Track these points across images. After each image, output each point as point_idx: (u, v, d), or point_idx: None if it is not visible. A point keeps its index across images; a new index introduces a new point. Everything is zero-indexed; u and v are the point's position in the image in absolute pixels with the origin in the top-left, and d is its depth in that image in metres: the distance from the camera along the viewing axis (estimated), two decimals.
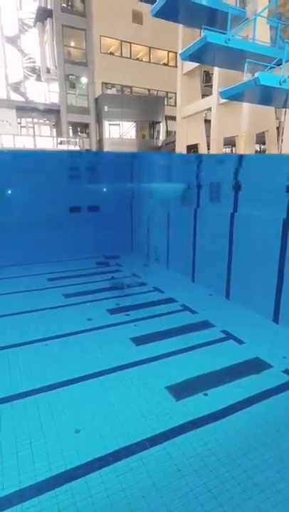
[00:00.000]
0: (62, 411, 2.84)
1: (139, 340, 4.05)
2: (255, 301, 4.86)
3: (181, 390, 3.11)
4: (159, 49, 25.61)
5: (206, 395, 3.05)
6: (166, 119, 25.61)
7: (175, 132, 21.81)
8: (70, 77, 23.63)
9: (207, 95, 18.72)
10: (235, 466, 2.33)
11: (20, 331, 4.31)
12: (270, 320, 4.62)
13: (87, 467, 2.30)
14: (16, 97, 23.19)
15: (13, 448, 2.46)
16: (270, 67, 8.05)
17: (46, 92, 23.98)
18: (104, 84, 24.61)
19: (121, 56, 24.74)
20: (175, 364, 3.55)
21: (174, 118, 22.00)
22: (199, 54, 8.53)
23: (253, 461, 2.37)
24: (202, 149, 19.62)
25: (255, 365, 3.52)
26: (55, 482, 2.19)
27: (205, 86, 21.98)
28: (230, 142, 18.63)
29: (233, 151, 21.47)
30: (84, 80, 23.93)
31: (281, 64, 7.97)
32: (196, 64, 16.87)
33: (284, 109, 15.19)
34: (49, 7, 22.35)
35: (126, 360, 3.59)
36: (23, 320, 4.67)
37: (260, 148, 19.67)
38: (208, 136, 18.74)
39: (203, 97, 19.29)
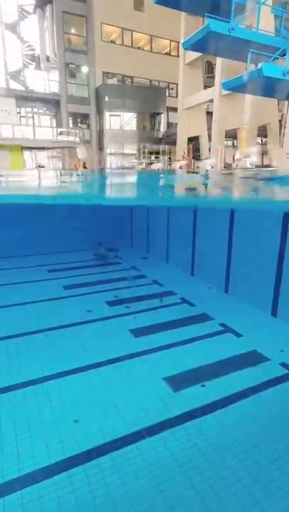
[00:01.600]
0: (62, 401, 2.87)
1: (138, 332, 4.08)
2: (254, 294, 4.88)
3: (179, 382, 3.14)
4: (161, 38, 25.13)
5: (203, 386, 3.09)
6: (167, 111, 25.29)
7: (176, 124, 21.57)
8: (70, 65, 23.25)
9: (209, 86, 18.46)
10: (232, 456, 2.36)
11: (20, 322, 4.33)
12: (268, 313, 4.65)
13: (86, 456, 2.34)
14: (15, 85, 22.83)
15: (12, 436, 2.49)
16: (274, 58, 7.93)
17: (46, 81, 23.60)
18: (105, 74, 24.21)
19: (122, 45, 24.28)
20: (173, 356, 3.58)
21: (175, 109, 21.76)
22: (202, 43, 8.38)
23: (249, 452, 2.40)
24: (203, 142, 19.44)
25: (253, 358, 3.55)
26: (54, 470, 2.23)
27: (207, 77, 21.66)
28: (231, 134, 18.48)
29: (235, 144, 21.29)
30: (84, 69, 23.55)
31: (285, 54, 7.85)
32: (199, 54, 16.62)
33: (287, 102, 15.00)
34: None
35: (125, 352, 3.62)
36: (22, 311, 4.69)
37: (261, 141, 19.50)
38: (209, 129, 18.55)
39: (205, 88, 19.03)
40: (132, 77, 25.32)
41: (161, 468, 2.26)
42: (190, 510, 2.00)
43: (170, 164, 20.51)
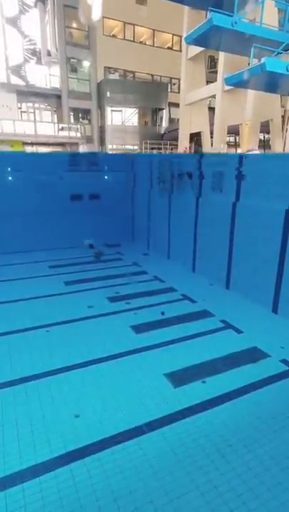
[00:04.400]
0: (63, 396, 2.89)
1: (139, 328, 4.09)
2: (255, 291, 4.88)
3: (180, 378, 3.16)
4: (163, 32, 24.86)
5: (204, 382, 3.10)
6: (169, 106, 25.10)
7: (178, 120, 21.43)
8: (72, 60, 23.05)
9: (212, 82, 18.30)
10: (231, 452, 2.38)
11: (21, 317, 4.34)
12: (269, 310, 4.65)
13: (87, 450, 2.36)
14: (16, 80, 22.64)
15: (14, 431, 2.52)
16: (278, 53, 7.84)
17: (47, 76, 23.42)
18: (107, 69, 24.02)
19: (124, 39, 24.04)
20: (174, 352, 3.59)
21: (177, 105, 21.58)
22: (205, 38, 8.30)
23: (249, 447, 2.42)
24: (205, 137, 19.33)
25: (253, 355, 3.56)
26: (55, 463, 2.25)
27: (210, 72, 21.47)
28: (234, 130, 18.34)
29: (237, 140, 21.16)
30: (86, 63, 23.36)
31: None
32: (201, 48, 16.45)
33: None
34: None
35: (126, 348, 3.64)
36: (24, 306, 4.71)
37: (264, 137, 19.37)
38: (211, 124, 18.42)
39: (207, 84, 18.87)
40: (133, 72, 25.12)
41: (161, 462, 2.28)
42: (190, 504, 2.02)
43: None
